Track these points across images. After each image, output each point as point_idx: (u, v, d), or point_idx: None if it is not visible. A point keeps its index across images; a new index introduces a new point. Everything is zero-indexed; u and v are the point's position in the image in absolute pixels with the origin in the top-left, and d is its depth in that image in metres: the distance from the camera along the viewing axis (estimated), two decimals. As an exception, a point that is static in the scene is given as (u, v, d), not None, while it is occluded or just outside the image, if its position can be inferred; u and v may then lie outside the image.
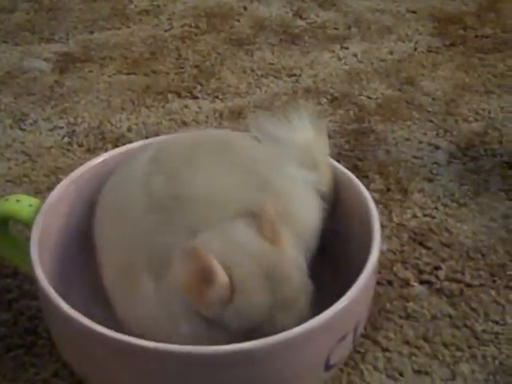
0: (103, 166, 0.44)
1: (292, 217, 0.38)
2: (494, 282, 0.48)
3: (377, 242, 0.37)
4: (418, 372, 0.42)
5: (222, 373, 0.32)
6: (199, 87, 0.69)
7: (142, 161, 0.40)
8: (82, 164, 0.55)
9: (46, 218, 0.40)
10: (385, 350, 0.43)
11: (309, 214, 0.40)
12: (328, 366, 0.35)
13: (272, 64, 0.72)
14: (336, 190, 0.43)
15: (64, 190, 0.42)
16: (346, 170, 0.43)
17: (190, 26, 0.79)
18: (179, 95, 0.68)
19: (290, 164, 0.41)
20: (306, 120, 0.43)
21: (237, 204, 0.36)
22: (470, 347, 0.43)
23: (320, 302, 0.35)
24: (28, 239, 0.39)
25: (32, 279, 0.38)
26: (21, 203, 0.41)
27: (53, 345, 0.42)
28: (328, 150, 0.44)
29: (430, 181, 0.57)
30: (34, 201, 0.41)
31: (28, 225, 0.40)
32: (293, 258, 0.35)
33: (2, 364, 0.43)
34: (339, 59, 0.73)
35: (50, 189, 0.56)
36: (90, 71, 0.72)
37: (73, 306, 0.34)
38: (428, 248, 0.50)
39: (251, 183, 0.38)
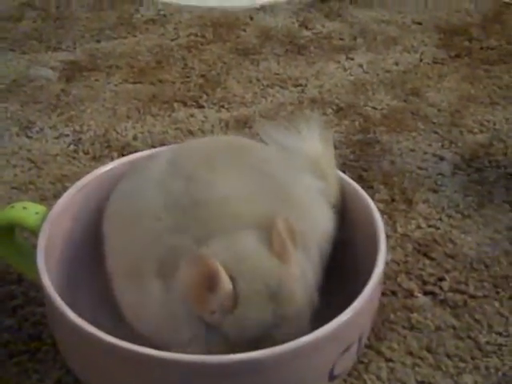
0: (110, 174, 0.44)
1: (307, 223, 0.38)
2: (498, 293, 0.48)
3: (382, 254, 0.37)
4: (421, 383, 0.42)
5: (228, 382, 0.32)
6: (205, 96, 0.69)
7: (158, 166, 0.40)
8: (87, 172, 0.55)
9: (52, 226, 0.40)
10: (388, 360, 0.43)
11: (323, 220, 0.40)
12: (332, 377, 0.35)
13: (278, 74, 0.73)
14: (342, 201, 0.43)
15: (71, 198, 0.42)
16: (351, 181, 0.43)
17: (196, 36, 0.80)
18: (185, 104, 0.68)
19: (302, 172, 0.41)
20: (314, 131, 0.43)
21: (251, 214, 0.36)
22: (473, 358, 0.43)
23: (326, 312, 0.35)
24: (34, 247, 0.39)
25: (37, 286, 0.39)
26: (27, 210, 0.41)
27: (57, 351, 0.42)
28: (335, 161, 0.44)
29: (435, 192, 0.57)
30: (40, 208, 0.42)
31: (34, 232, 0.40)
32: (299, 277, 0.35)
33: (5, 370, 0.43)
34: (345, 70, 0.73)
35: (55, 196, 0.56)
36: (97, 80, 0.72)
37: (79, 314, 0.35)
38: (432, 259, 0.51)
39: (267, 190, 0.38)
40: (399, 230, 0.53)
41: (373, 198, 0.56)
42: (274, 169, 0.40)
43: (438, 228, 0.53)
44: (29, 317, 0.46)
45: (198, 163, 0.39)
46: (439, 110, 0.67)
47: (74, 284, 0.41)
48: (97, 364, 0.35)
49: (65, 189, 0.58)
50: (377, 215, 0.40)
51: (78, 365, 0.38)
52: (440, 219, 0.54)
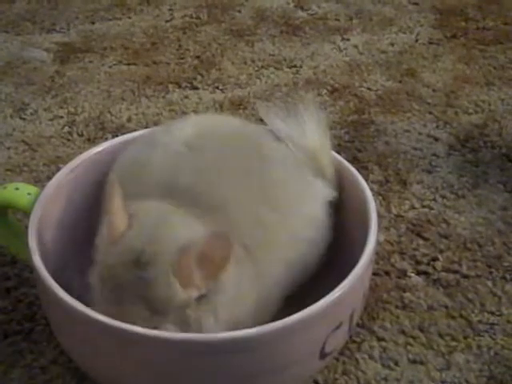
0: (102, 155, 0.44)
1: (293, 220, 0.39)
2: (491, 273, 0.48)
3: (373, 235, 0.37)
4: (413, 361, 0.42)
5: (221, 359, 0.33)
6: (199, 78, 0.69)
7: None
8: (81, 154, 0.55)
9: (44, 207, 0.40)
10: (380, 339, 0.43)
11: (313, 216, 0.41)
12: (323, 355, 0.36)
13: (273, 55, 0.72)
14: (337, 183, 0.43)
15: (63, 179, 0.42)
16: (346, 162, 0.43)
17: (191, 17, 0.79)
18: (179, 86, 0.68)
19: (302, 169, 0.42)
20: (313, 119, 0.43)
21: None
22: (465, 337, 0.44)
23: (317, 291, 0.35)
24: (27, 227, 0.39)
25: (31, 267, 0.39)
26: (19, 191, 0.41)
27: (51, 332, 0.43)
28: (331, 154, 0.44)
29: (429, 172, 0.57)
30: (32, 189, 0.42)
31: (27, 213, 0.40)
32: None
33: (0, 350, 0.43)
34: (340, 51, 0.73)
35: (49, 178, 0.56)
36: (91, 61, 0.72)
37: (71, 294, 0.35)
38: (426, 239, 0.51)
39: (262, 193, 0.39)
40: (393, 210, 0.53)
41: (367, 179, 0.56)
42: (275, 169, 0.41)
43: (432, 208, 0.53)
44: (23, 298, 0.46)
45: (210, 159, 0.40)
46: (434, 91, 0.67)
47: (67, 264, 0.41)
48: (88, 343, 0.35)
49: (59, 171, 0.58)
50: (370, 197, 0.40)
51: (70, 344, 0.38)
52: (434, 200, 0.54)
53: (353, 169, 0.43)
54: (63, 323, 0.37)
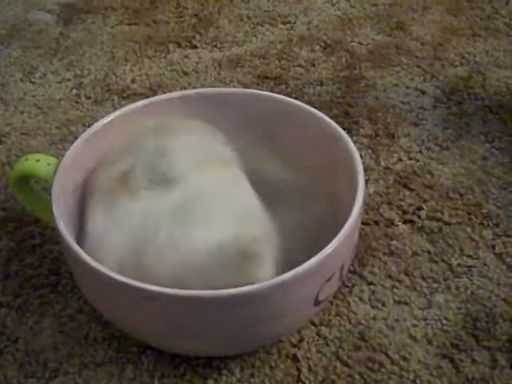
0: (111, 125, 0.47)
1: None
2: (470, 219, 0.52)
3: (360, 193, 0.41)
4: (398, 302, 0.47)
5: (226, 312, 0.37)
6: (198, 37, 0.72)
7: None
8: (90, 116, 0.59)
9: (63, 176, 0.44)
10: (370, 283, 0.48)
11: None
12: (317, 302, 0.40)
13: (267, 11, 0.75)
14: (324, 141, 0.47)
15: (78, 149, 0.46)
16: (332, 122, 0.47)
17: (188, -27, 0.81)
18: (179, 45, 0.71)
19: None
20: None
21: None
22: (445, 279, 0.48)
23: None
24: (45, 190, 0.43)
25: (52, 227, 0.43)
26: (40, 163, 0.45)
27: (75, 284, 0.48)
28: None
29: (416, 125, 0.61)
30: (52, 159, 0.46)
31: (47, 181, 0.45)
32: None
33: (30, 302, 0.48)
34: (332, 4, 0.76)
35: (62, 140, 0.60)
36: (93, 22, 0.75)
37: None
38: (411, 190, 0.55)
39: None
40: (382, 163, 0.57)
41: (358, 134, 0.60)
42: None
43: (418, 160, 0.58)
44: (47, 254, 0.51)
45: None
46: (422, 44, 0.70)
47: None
48: (108, 297, 0.40)
49: (71, 133, 0.62)
50: (357, 158, 0.44)
51: (93, 297, 0.43)
52: (420, 152, 0.58)
53: (340, 129, 0.46)
54: (86, 280, 0.42)
